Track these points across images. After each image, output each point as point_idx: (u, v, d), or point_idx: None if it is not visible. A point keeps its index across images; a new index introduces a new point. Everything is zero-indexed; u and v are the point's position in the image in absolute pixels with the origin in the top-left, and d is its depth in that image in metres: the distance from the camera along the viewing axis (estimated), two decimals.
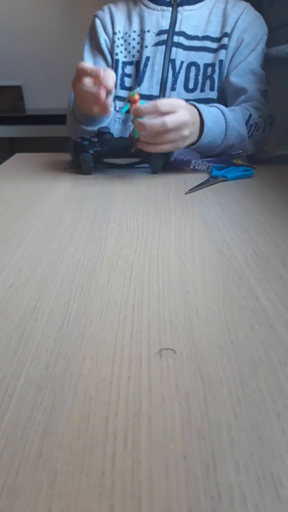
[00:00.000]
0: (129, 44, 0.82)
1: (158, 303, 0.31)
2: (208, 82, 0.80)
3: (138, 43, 0.81)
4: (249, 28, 0.78)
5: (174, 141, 0.60)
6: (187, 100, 0.80)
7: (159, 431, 0.20)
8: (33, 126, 1.84)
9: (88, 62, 0.59)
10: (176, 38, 0.78)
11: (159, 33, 0.79)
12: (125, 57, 0.83)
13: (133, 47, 0.82)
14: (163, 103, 0.57)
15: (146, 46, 0.80)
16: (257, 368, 0.24)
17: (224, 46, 0.77)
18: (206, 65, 0.79)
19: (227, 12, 0.78)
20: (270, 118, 0.77)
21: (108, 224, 0.47)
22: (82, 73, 0.58)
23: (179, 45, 0.79)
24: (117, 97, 0.84)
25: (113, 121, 0.83)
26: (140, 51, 0.81)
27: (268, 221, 0.47)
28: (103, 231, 0.45)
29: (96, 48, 0.84)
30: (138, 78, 0.81)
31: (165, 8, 0.79)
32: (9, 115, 1.92)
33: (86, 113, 0.66)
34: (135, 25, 0.81)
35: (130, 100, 0.59)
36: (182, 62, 0.79)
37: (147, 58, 0.80)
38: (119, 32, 0.82)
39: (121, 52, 0.82)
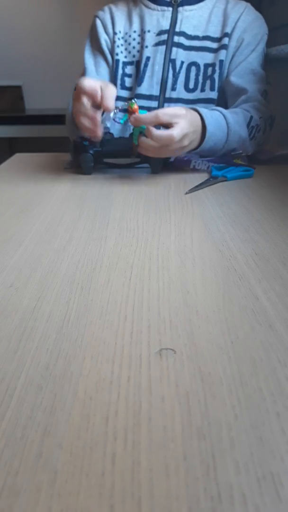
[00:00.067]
0: (129, 44, 0.82)
1: (158, 303, 0.31)
2: (208, 82, 0.79)
3: (138, 43, 0.81)
4: (250, 28, 0.77)
5: (174, 152, 0.61)
6: (188, 101, 0.81)
7: (159, 431, 0.20)
8: (33, 126, 1.84)
9: (88, 79, 0.56)
10: (176, 38, 0.78)
11: (160, 33, 0.79)
12: (125, 57, 0.83)
13: (134, 47, 0.82)
14: (164, 113, 0.57)
15: (147, 46, 0.80)
16: (257, 368, 0.24)
17: (224, 46, 0.77)
18: (206, 65, 0.79)
19: (228, 12, 0.78)
20: (270, 119, 0.77)
21: (108, 224, 0.47)
22: (81, 91, 0.56)
23: (179, 45, 0.79)
24: (117, 97, 0.84)
25: (113, 121, 0.83)
26: (141, 51, 0.81)
27: (268, 221, 0.47)
28: (103, 231, 0.45)
29: (97, 48, 0.84)
30: (138, 78, 0.81)
31: (165, 8, 0.79)
32: (9, 115, 1.92)
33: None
34: (136, 25, 0.81)
35: (129, 111, 0.59)
36: (182, 62, 0.79)
37: (148, 58, 0.80)
38: (120, 32, 0.82)
39: (122, 52, 0.82)
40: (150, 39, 0.79)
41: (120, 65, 0.82)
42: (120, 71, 0.83)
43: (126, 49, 0.82)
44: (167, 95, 0.81)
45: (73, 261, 0.38)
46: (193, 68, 0.79)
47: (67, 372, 0.24)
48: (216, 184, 0.63)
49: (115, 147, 0.67)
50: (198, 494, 0.17)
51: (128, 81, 0.83)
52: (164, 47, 0.79)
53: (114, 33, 0.82)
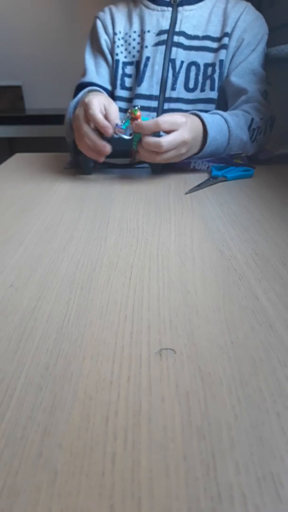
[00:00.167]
0: (129, 44, 0.82)
1: (158, 303, 0.31)
2: (208, 82, 0.79)
3: (138, 43, 0.81)
4: (250, 28, 0.77)
5: (171, 159, 0.61)
6: (187, 101, 0.81)
7: (159, 431, 0.20)
8: (33, 126, 1.84)
9: (97, 103, 0.58)
10: (176, 38, 0.78)
11: (159, 33, 0.79)
12: (125, 57, 0.83)
13: (133, 47, 0.82)
14: (164, 121, 0.57)
15: (146, 46, 0.80)
16: (257, 368, 0.24)
17: (224, 46, 0.77)
18: (206, 65, 0.79)
19: (228, 12, 0.78)
20: (270, 120, 0.77)
21: (108, 224, 0.47)
22: (92, 119, 0.58)
23: (179, 45, 0.79)
24: (117, 97, 0.84)
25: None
26: (140, 51, 0.81)
27: (268, 221, 0.47)
28: (103, 231, 0.45)
29: (97, 49, 0.84)
30: (138, 78, 0.81)
31: (165, 8, 0.79)
32: (9, 115, 1.92)
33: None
34: (136, 26, 0.81)
35: (132, 117, 0.59)
36: (182, 62, 0.79)
37: (147, 58, 0.80)
38: (120, 32, 0.82)
39: (122, 52, 0.82)
40: (150, 39, 0.79)
41: (120, 65, 0.82)
42: (120, 71, 0.83)
43: (126, 49, 0.83)
44: (167, 95, 0.81)
45: (73, 261, 0.38)
46: (193, 68, 0.79)
47: (67, 372, 0.24)
48: (216, 184, 0.63)
49: (115, 147, 0.67)
50: (198, 494, 0.17)
51: (128, 81, 0.83)
52: (164, 47, 0.79)
53: (114, 34, 0.82)
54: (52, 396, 0.22)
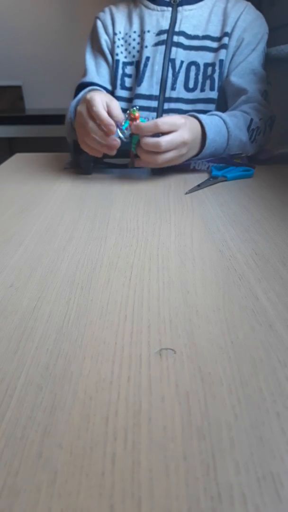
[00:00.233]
0: (129, 44, 0.82)
1: (158, 303, 0.31)
2: (208, 81, 0.79)
3: (138, 43, 0.81)
4: (250, 27, 0.77)
5: (172, 160, 0.61)
6: (187, 101, 0.81)
7: (159, 431, 0.20)
8: (33, 126, 1.84)
9: (100, 99, 0.57)
10: (176, 38, 0.78)
11: (159, 33, 0.79)
12: (125, 57, 0.83)
13: (133, 48, 0.82)
14: (163, 122, 0.57)
15: (146, 46, 0.80)
16: (257, 368, 0.24)
17: (224, 46, 0.77)
18: (206, 65, 0.79)
19: (228, 11, 0.78)
20: (270, 120, 0.77)
21: (108, 224, 0.47)
22: (96, 116, 0.57)
23: (179, 45, 0.78)
24: (117, 97, 0.84)
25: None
26: (140, 51, 0.81)
27: (268, 221, 0.47)
28: (103, 231, 0.45)
29: (98, 49, 0.84)
30: (138, 78, 0.81)
31: (165, 8, 0.79)
32: (9, 115, 1.92)
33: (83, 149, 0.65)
34: (135, 26, 0.81)
35: (131, 117, 0.59)
36: (182, 62, 0.79)
37: (147, 58, 0.80)
38: (120, 32, 0.82)
39: (122, 52, 0.83)
40: (150, 39, 0.79)
41: (120, 65, 0.82)
42: (120, 71, 0.83)
43: (126, 49, 0.83)
44: (167, 95, 0.81)
45: (73, 261, 0.38)
46: (193, 68, 0.79)
47: (67, 372, 0.24)
48: (216, 184, 0.63)
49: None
50: (198, 494, 0.17)
51: (128, 81, 0.83)
52: (163, 47, 0.79)
53: (114, 34, 0.82)
54: (52, 396, 0.22)
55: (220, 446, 0.19)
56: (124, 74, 0.83)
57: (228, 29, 0.77)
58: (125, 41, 0.82)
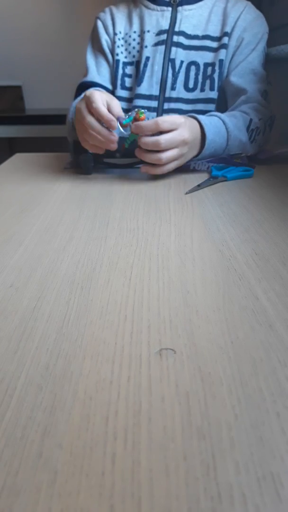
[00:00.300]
0: (129, 44, 0.82)
1: (158, 303, 0.31)
2: (208, 81, 0.79)
3: (138, 43, 0.81)
4: (250, 27, 0.77)
5: (174, 158, 0.61)
6: (187, 101, 0.81)
7: (159, 431, 0.20)
8: (33, 126, 1.84)
9: (99, 97, 0.57)
10: (175, 38, 0.78)
11: (159, 33, 0.79)
12: (125, 57, 0.83)
13: (133, 48, 0.82)
14: (164, 121, 0.57)
15: (146, 46, 0.80)
16: (257, 368, 0.24)
17: (224, 46, 0.77)
18: (206, 65, 0.79)
19: (228, 11, 0.78)
20: (270, 120, 0.77)
21: (108, 224, 0.47)
22: (96, 112, 0.57)
23: (178, 45, 0.78)
24: (117, 97, 0.84)
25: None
26: (140, 51, 0.81)
27: (268, 221, 0.47)
28: (103, 231, 0.45)
29: (98, 49, 0.84)
30: (138, 78, 0.81)
31: (164, 8, 0.79)
32: (9, 115, 1.92)
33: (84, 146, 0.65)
34: (136, 26, 0.81)
35: (136, 118, 0.59)
36: (182, 62, 0.79)
37: (147, 58, 0.80)
38: (120, 33, 0.82)
39: (122, 52, 0.83)
40: (150, 39, 0.80)
41: (120, 65, 0.83)
42: (120, 71, 0.83)
43: (126, 49, 0.83)
44: (166, 95, 0.81)
45: (73, 261, 0.38)
46: (193, 68, 0.79)
47: (67, 372, 0.24)
48: (216, 184, 0.63)
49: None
50: (198, 494, 0.17)
51: (128, 81, 0.83)
52: (163, 47, 0.79)
53: (115, 34, 0.82)
54: (52, 396, 0.22)
55: (220, 446, 0.19)
56: (124, 74, 0.83)
57: (228, 28, 0.77)
58: (125, 41, 0.82)
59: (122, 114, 0.59)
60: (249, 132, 0.71)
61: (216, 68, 0.78)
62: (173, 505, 0.17)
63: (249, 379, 0.23)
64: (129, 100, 0.84)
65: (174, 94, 0.81)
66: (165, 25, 0.79)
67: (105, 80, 0.84)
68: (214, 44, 0.78)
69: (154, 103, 0.82)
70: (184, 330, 0.27)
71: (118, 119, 0.58)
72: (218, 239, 0.42)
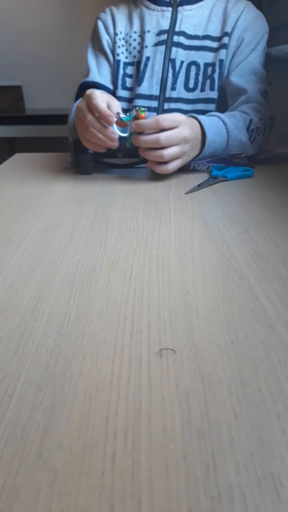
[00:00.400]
0: (130, 44, 0.82)
1: (158, 303, 0.31)
2: (208, 81, 0.79)
3: (138, 43, 0.81)
4: (250, 27, 0.77)
5: (177, 156, 0.61)
6: (188, 101, 0.81)
7: (159, 431, 0.20)
8: (33, 126, 1.84)
9: (100, 97, 0.57)
10: (176, 38, 0.78)
11: (159, 33, 0.79)
12: (126, 57, 0.83)
13: (134, 48, 0.82)
14: (164, 118, 0.58)
15: (146, 46, 0.80)
16: (257, 368, 0.24)
17: (224, 46, 0.77)
18: (206, 65, 0.79)
19: (228, 11, 0.78)
20: (270, 120, 0.77)
21: (108, 224, 0.47)
22: (95, 109, 0.57)
23: (179, 45, 0.78)
24: (118, 98, 0.84)
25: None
26: (141, 52, 0.81)
27: (268, 221, 0.47)
28: (103, 231, 0.45)
29: (99, 49, 0.84)
30: (138, 78, 0.81)
31: (165, 8, 0.79)
32: (9, 115, 1.92)
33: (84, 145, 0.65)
34: (136, 26, 0.81)
35: (136, 116, 0.59)
36: (182, 62, 0.79)
37: (147, 58, 0.80)
38: (120, 33, 0.82)
39: (122, 52, 0.83)
40: (150, 39, 0.80)
41: (121, 65, 0.83)
42: (121, 72, 0.83)
43: (126, 49, 0.83)
44: (167, 95, 0.81)
45: (73, 261, 0.38)
46: (193, 68, 0.79)
47: (67, 372, 0.24)
48: (216, 184, 0.63)
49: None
50: (198, 494, 0.17)
51: (128, 81, 0.83)
52: (163, 47, 0.79)
53: (115, 34, 0.82)
54: (52, 396, 0.22)
55: (220, 446, 0.19)
56: (125, 74, 0.83)
57: (228, 28, 0.77)
58: (126, 41, 0.82)
59: (121, 113, 0.59)
60: (249, 132, 0.71)
61: (216, 68, 0.78)
62: (173, 505, 0.17)
63: (249, 379, 0.23)
64: (129, 100, 0.84)
65: (174, 94, 0.81)
66: (165, 25, 0.79)
67: (106, 80, 0.84)
68: (215, 44, 0.78)
69: (154, 103, 0.82)
70: (184, 330, 0.27)
71: (117, 114, 0.58)
72: (218, 239, 0.42)
